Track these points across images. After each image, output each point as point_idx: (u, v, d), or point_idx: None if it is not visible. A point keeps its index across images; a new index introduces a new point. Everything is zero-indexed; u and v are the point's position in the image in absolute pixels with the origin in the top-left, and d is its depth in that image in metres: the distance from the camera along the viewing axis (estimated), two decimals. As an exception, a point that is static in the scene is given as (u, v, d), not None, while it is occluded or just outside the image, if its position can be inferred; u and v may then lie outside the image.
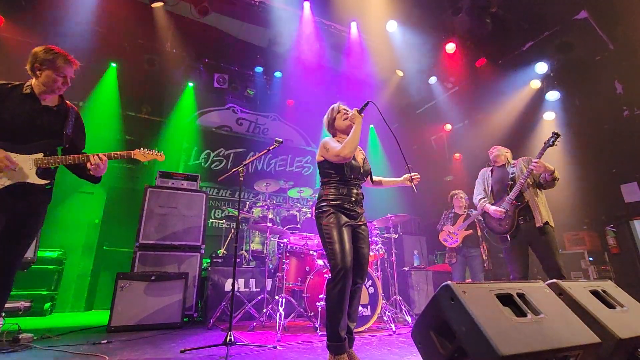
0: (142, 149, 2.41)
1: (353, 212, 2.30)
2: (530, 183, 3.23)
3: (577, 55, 5.32)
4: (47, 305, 4.64)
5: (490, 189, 3.55)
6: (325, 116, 2.57)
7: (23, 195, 2.03)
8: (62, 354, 2.46)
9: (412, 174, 2.51)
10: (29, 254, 3.18)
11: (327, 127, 2.57)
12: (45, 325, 3.78)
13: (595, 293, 1.89)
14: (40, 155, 2.07)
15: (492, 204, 3.39)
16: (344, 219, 2.25)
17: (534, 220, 3.09)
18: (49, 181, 2.10)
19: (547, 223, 3.07)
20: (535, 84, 5.80)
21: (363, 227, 2.37)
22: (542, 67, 5.62)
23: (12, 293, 2.16)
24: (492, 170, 3.63)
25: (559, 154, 5.23)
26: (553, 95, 5.63)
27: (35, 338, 2.84)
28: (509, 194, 3.24)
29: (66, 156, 2.14)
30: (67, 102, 2.29)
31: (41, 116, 2.11)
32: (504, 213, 3.22)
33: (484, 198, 3.54)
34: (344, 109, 2.51)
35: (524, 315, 1.54)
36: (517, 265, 3.14)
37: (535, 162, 3.10)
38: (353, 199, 2.32)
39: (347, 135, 2.39)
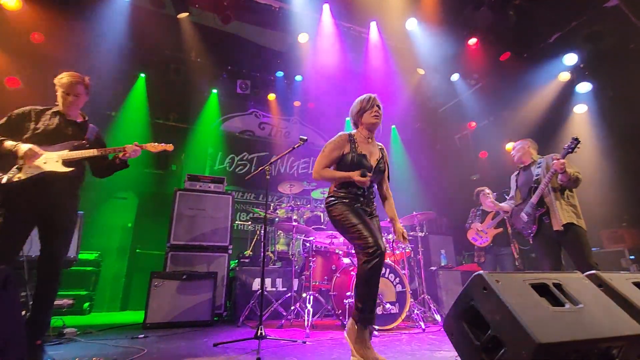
0: (153, 143, 2.74)
1: (362, 210, 2.27)
2: (552, 187, 3.05)
3: (609, 44, 5.09)
4: (86, 305, 4.88)
5: (520, 194, 3.37)
6: (355, 104, 2.41)
7: (46, 186, 2.26)
8: (104, 346, 2.60)
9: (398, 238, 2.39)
10: (71, 253, 3.38)
11: (353, 114, 2.42)
12: (85, 323, 3.97)
13: (639, 285, 1.80)
14: (65, 151, 2.37)
15: (517, 206, 3.30)
16: (354, 204, 2.24)
17: (551, 223, 2.97)
18: (72, 168, 2.35)
19: (570, 224, 2.90)
20: (565, 76, 5.60)
21: (375, 218, 2.33)
22: (571, 59, 5.42)
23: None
24: (518, 174, 3.44)
25: (594, 147, 5.01)
26: (584, 87, 5.41)
27: (78, 333, 3.01)
28: (532, 198, 3.12)
29: (88, 150, 2.42)
30: (91, 124, 2.61)
31: (67, 127, 2.46)
32: (526, 216, 3.14)
33: (510, 200, 3.47)
34: (378, 106, 2.35)
35: (562, 305, 1.49)
36: (545, 266, 3.06)
37: (557, 160, 2.89)
38: (362, 198, 2.28)
39: (370, 131, 2.37)
